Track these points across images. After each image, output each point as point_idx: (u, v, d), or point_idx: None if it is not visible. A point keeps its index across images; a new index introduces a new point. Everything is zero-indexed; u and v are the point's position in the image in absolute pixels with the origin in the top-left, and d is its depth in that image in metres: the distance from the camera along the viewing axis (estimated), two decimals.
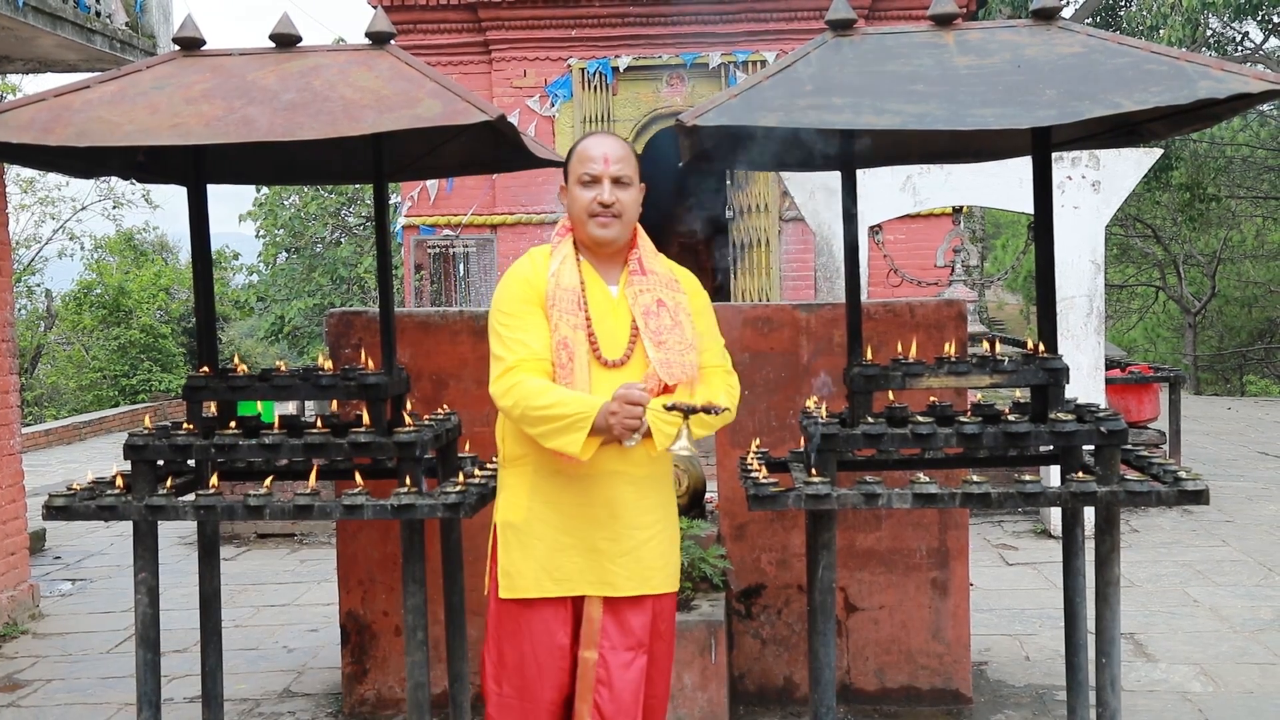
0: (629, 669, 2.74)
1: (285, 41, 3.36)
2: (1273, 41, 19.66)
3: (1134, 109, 2.81)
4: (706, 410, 2.59)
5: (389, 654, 4.47)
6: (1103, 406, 3.42)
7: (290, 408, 9.06)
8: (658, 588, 2.80)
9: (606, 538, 2.74)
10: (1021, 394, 3.64)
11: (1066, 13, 17.31)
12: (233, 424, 3.54)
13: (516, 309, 2.77)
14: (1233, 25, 18.75)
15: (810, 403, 3.64)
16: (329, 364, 3.64)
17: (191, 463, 3.68)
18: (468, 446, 3.95)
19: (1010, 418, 3.34)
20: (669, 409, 2.60)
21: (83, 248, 25.58)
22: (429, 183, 11.73)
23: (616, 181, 2.78)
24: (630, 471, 2.74)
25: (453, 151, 3.90)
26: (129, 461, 3.40)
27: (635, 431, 2.58)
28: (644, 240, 2.90)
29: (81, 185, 25.47)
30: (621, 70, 11.47)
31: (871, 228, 8.50)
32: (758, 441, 3.96)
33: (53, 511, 3.35)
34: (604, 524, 2.74)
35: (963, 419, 3.29)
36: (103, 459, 12.58)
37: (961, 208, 10.86)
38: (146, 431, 3.45)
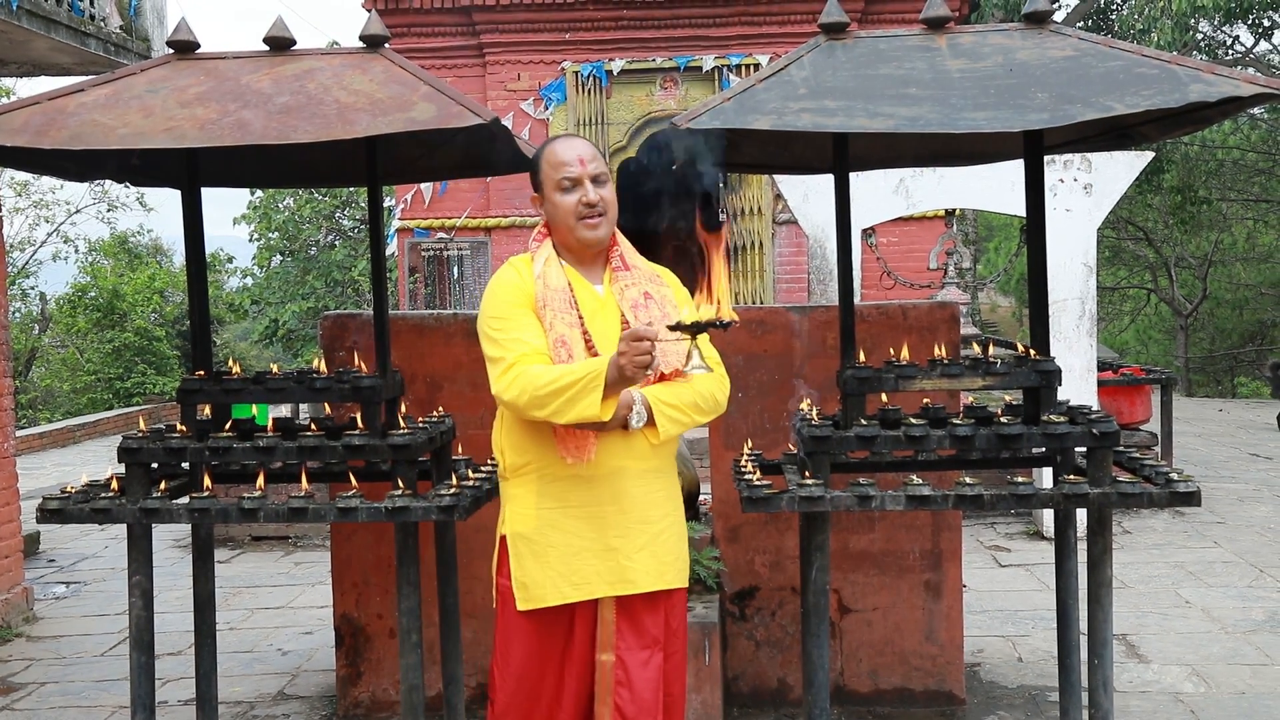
0: (647, 668, 2.73)
1: (279, 45, 3.36)
2: (1263, 45, 19.74)
3: (1125, 112, 2.82)
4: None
5: (384, 657, 4.47)
6: (1095, 408, 3.44)
7: (284, 410, 9.06)
8: (672, 582, 2.80)
9: (618, 535, 2.73)
10: (1013, 396, 3.65)
11: (1058, 16, 17.36)
12: (227, 427, 3.54)
13: (507, 311, 2.76)
14: (1223, 29, 18.83)
15: (804, 405, 3.65)
16: (323, 367, 3.64)
17: (186, 465, 3.68)
18: (461, 449, 3.96)
19: (1003, 420, 3.35)
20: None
21: (77, 251, 25.54)
22: (423, 186, 11.72)
23: (596, 180, 2.77)
24: (634, 466, 2.73)
25: (447, 154, 3.91)
26: (123, 464, 3.40)
27: (647, 369, 2.55)
28: (622, 238, 2.89)
29: (76, 188, 25.40)
30: (615, 73, 11.48)
31: (864, 230, 8.52)
32: (750, 444, 3.97)
33: (47, 514, 3.35)
34: (614, 522, 2.73)
35: (955, 421, 3.30)
36: (97, 462, 12.56)
37: (954, 210, 10.89)
38: (141, 434, 3.45)
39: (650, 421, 2.67)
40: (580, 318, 2.75)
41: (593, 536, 2.73)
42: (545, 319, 2.73)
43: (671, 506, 2.85)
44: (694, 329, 2.56)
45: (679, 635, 2.87)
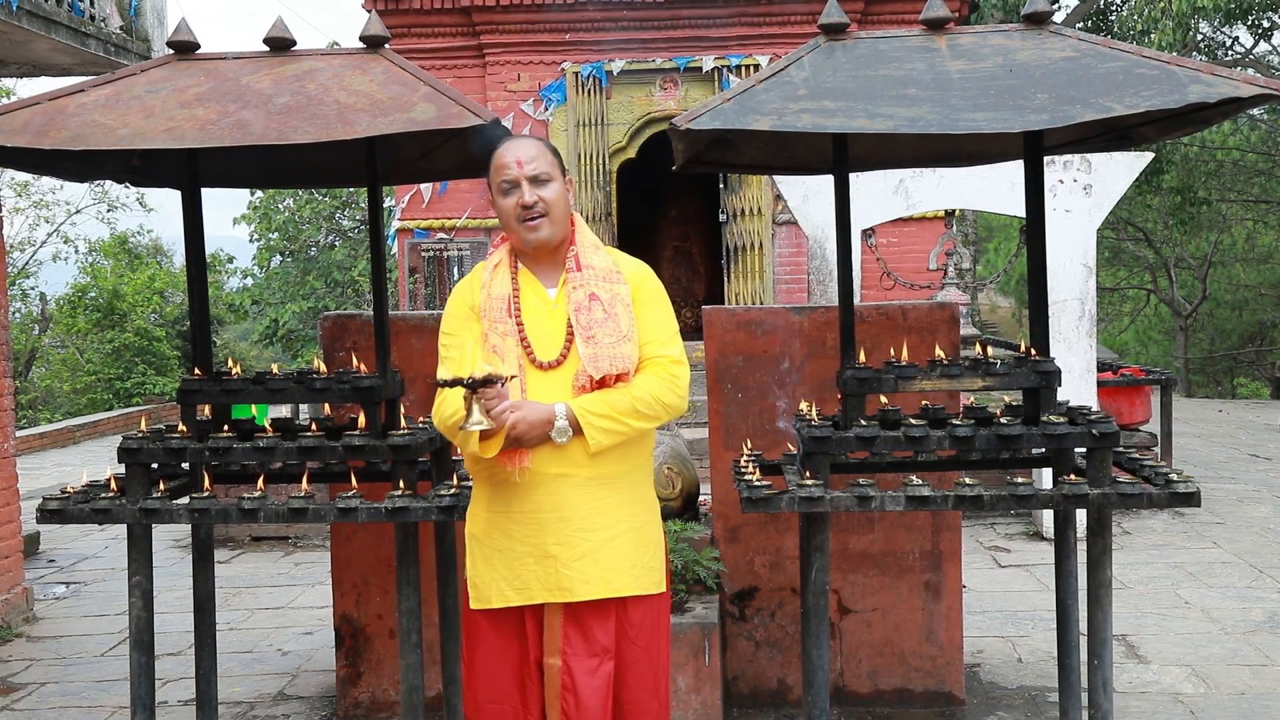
0: (594, 676, 2.70)
1: (279, 45, 3.37)
2: (1263, 46, 19.75)
3: (1125, 113, 2.83)
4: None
5: (383, 657, 4.47)
6: (1094, 409, 3.44)
7: (284, 411, 9.07)
8: (622, 590, 2.72)
9: (556, 542, 2.70)
10: (1013, 397, 3.66)
11: (1058, 17, 17.36)
12: (226, 427, 3.54)
13: (453, 327, 2.82)
14: (1223, 29, 18.83)
15: (804, 405, 3.65)
16: (323, 367, 3.65)
17: (186, 466, 3.68)
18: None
19: (1002, 420, 3.36)
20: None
21: (77, 251, 25.55)
22: (423, 186, 11.74)
23: (535, 180, 2.75)
24: (575, 474, 2.69)
25: (446, 155, 3.91)
26: (123, 464, 3.41)
27: (495, 413, 2.57)
28: (582, 234, 2.85)
29: (76, 189, 25.41)
30: (615, 74, 11.48)
31: (864, 231, 8.52)
32: (750, 444, 3.97)
33: (47, 515, 3.35)
34: (553, 528, 2.70)
35: (955, 422, 3.31)
36: (97, 462, 12.55)
37: (954, 211, 10.90)
38: (141, 435, 3.46)
39: (579, 432, 2.65)
40: (519, 324, 2.75)
41: (533, 542, 2.71)
42: (484, 329, 2.76)
43: (627, 513, 2.75)
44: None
45: (640, 644, 2.76)
